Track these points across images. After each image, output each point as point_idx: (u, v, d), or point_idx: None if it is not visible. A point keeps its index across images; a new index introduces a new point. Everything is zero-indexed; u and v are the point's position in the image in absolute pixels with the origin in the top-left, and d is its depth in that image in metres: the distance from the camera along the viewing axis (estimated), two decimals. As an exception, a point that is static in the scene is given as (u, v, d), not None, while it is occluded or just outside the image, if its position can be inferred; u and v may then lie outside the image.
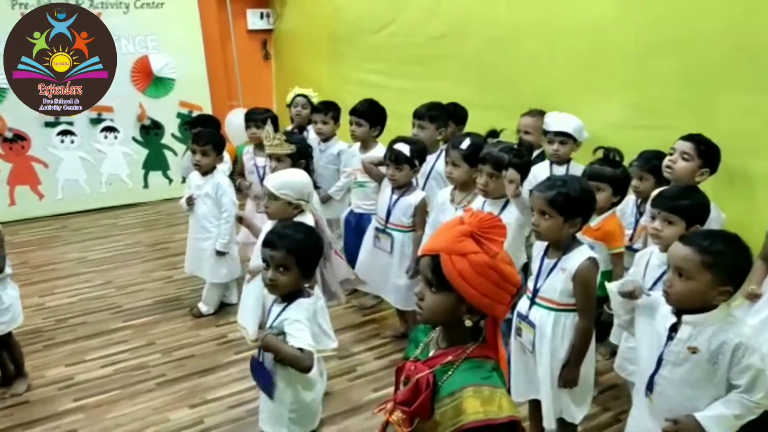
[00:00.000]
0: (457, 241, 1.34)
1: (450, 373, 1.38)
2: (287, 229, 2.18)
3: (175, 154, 6.14)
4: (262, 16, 6.68)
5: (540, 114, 3.45)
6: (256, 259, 2.68)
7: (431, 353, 1.46)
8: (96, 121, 5.82)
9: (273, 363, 2.07)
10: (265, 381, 2.13)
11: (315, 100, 4.46)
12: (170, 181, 6.26)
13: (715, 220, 2.47)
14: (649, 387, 1.86)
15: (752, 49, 2.61)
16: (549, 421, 2.28)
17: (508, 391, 1.42)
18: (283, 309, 2.09)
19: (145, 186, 6.18)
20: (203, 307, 3.74)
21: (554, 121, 3.19)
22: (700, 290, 1.72)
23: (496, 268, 1.33)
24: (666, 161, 2.65)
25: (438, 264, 1.35)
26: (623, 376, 2.55)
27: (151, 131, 6.09)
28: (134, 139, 6.05)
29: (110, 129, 5.91)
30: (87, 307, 3.92)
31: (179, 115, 6.17)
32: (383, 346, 3.39)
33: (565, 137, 3.14)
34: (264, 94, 6.80)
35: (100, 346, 3.44)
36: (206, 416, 2.82)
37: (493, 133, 2.96)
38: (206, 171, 3.53)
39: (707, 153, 2.58)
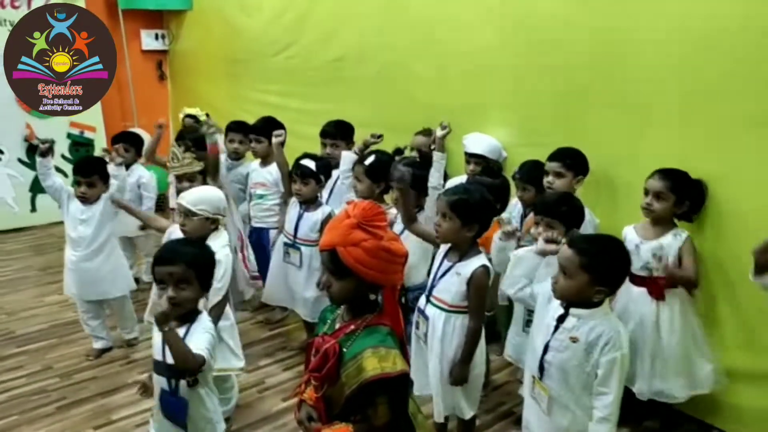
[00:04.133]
0: (347, 234, 1.57)
1: (352, 340, 1.61)
2: (179, 244, 2.20)
3: (66, 175, 5.90)
4: (156, 37, 6.62)
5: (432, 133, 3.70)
6: None
7: (337, 327, 1.69)
8: (-24, 143, 5.53)
9: (186, 391, 2.06)
10: (177, 410, 2.08)
11: (203, 119, 4.56)
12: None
13: (589, 223, 2.78)
14: (540, 370, 2.06)
15: (612, 72, 2.96)
16: (438, 415, 2.44)
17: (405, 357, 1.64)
18: (185, 334, 2.03)
19: (33, 209, 5.90)
20: (130, 335, 3.56)
21: (471, 143, 3.39)
22: (578, 288, 1.95)
23: (385, 248, 1.58)
24: (545, 182, 2.95)
25: (336, 256, 1.58)
26: (511, 361, 2.82)
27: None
28: (20, 160, 5.78)
29: (-7, 150, 5.63)
30: (-25, 335, 3.72)
31: (69, 135, 5.97)
32: (290, 358, 3.47)
33: (480, 158, 3.34)
34: (160, 114, 6.63)
35: (-8, 373, 3.29)
36: (112, 436, 2.79)
37: (398, 151, 3.17)
38: (92, 201, 3.33)
39: (573, 164, 2.92)
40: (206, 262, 2.13)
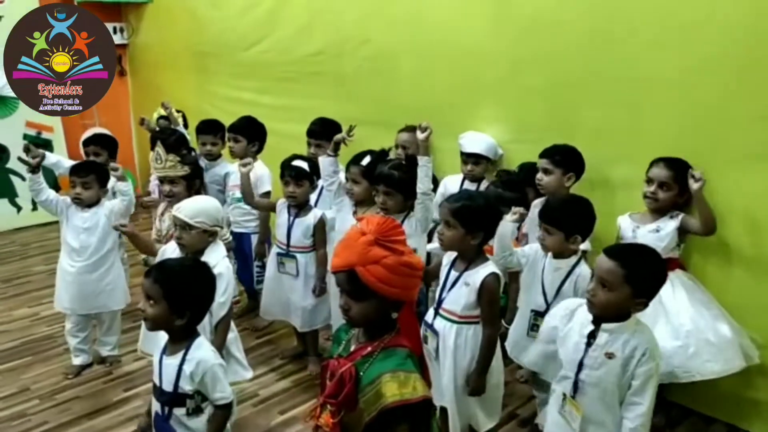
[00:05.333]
0: (366, 251, 1.47)
1: (369, 363, 1.52)
2: (168, 260, 2.13)
3: (23, 179, 5.59)
4: (115, 31, 6.30)
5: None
6: None
7: (352, 348, 1.59)
8: (-75, 146, 5.20)
9: (177, 422, 1.99)
10: None
11: (180, 121, 4.41)
12: (19, 209, 5.71)
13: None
14: (574, 389, 2.00)
15: (605, 66, 2.92)
16: (455, 429, 2.35)
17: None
18: (183, 360, 1.95)
19: (-12, 216, 5.59)
20: (111, 352, 3.37)
21: (467, 142, 3.28)
22: (620, 301, 1.87)
23: (405, 263, 1.50)
24: (536, 179, 2.91)
25: (354, 276, 1.48)
26: (516, 360, 2.71)
27: (-7, 155, 5.52)
28: (-26, 163, 5.47)
29: (-58, 154, 5.30)
30: (-62, 357, 3.47)
31: (26, 136, 5.63)
32: (283, 367, 3.35)
33: (478, 158, 3.25)
34: (121, 111, 6.45)
35: (-38, 399, 3.06)
36: (102, 461, 2.64)
37: (384, 153, 3.06)
38: (89, 204, 3.15)
39: (562, 161, 2.88)
40: (179, 283, 1.94)
